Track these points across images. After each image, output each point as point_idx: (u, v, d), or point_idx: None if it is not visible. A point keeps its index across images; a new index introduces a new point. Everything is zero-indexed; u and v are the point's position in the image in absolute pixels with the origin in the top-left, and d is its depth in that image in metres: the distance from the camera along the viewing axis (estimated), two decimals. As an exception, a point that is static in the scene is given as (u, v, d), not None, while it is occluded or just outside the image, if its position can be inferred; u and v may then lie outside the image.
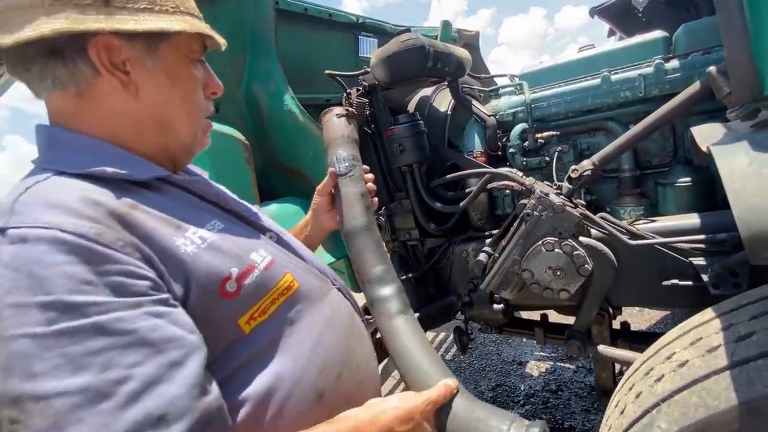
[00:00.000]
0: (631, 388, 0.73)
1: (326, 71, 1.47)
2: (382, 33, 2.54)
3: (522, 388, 2.19)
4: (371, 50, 2.51)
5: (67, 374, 0.36)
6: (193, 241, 0.50)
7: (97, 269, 0.40)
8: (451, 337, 2.89)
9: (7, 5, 0.47)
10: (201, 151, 0.65)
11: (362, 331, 0.69)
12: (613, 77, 1.28)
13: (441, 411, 0.65)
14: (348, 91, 1.53)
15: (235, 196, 0.70)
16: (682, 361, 0.64)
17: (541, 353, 2.48)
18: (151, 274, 0.44)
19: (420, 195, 1.47)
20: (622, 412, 0.70)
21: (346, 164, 0.92)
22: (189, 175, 0.64)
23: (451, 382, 0.68)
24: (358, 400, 0.59)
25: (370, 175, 0.99)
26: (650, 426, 0.61)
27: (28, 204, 0.42)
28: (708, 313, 0.68)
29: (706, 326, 0.66)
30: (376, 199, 0.98)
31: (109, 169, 0.48)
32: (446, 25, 2.77)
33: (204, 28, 0.58)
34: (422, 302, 1.61)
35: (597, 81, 1.30)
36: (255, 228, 0.63)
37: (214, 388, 0.44)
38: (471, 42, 3.21)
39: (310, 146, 1.43)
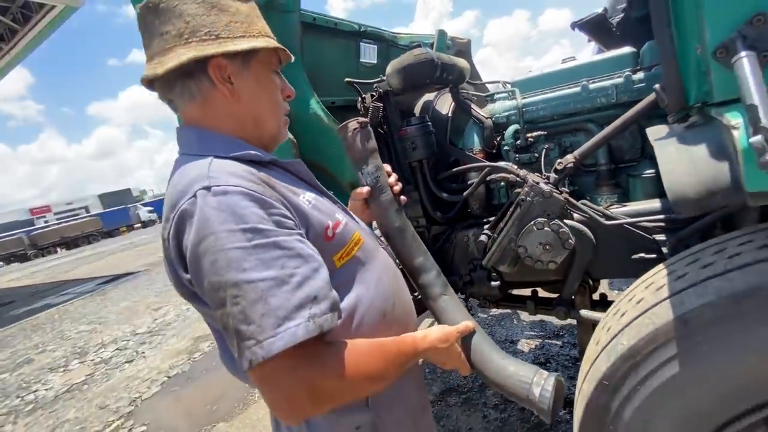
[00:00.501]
0: (604, 326, 0.96)
1: (346, 79, 1.67)
2: (381, 40, 2.74)
3: (514, 362, 2.44)
4: (371, 56, 2.71)
5: (263, 269, 0.57)
6: (305, 202, 0.71)
7: (268, 211, 0.61)
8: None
9: (158, 51, 0.68)
10: (283, 141, 0.84)
11: (402, 279, 0.92)
12: (591, 86, 1.52)
13: (464, 339, 0.90)
14: (363, 96, 1.74)
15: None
16: (639, 299, 0.87)
17: (531, 332, 2.73)
18: (293, 219, 0.66)
19: (428, 187, 1.69)
20: (597, 343, 0.94)
21: (371, 177, 0.98)
22: None
23: (471, 323, 0.94)
24: (405, 323, 0.83)
25: (394, 176, 1.05)
26: (615, 345, 0.85)
27: (217, 173, 0.62)
28: (659, 267, 0.91)
29: (656, 275, 0.89)
30: (403, 197, 1.06)
31: (249, 152, 0.70)
32: (442, 34, 3.00)
33: (279, 45, 0.77)
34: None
35: (577, 89, 1.54)
36: (331, 200, 0.84)
37: (335, 292, 0.66)
38: (463, 49, 3.45)
39: (333, 146, 1.63)
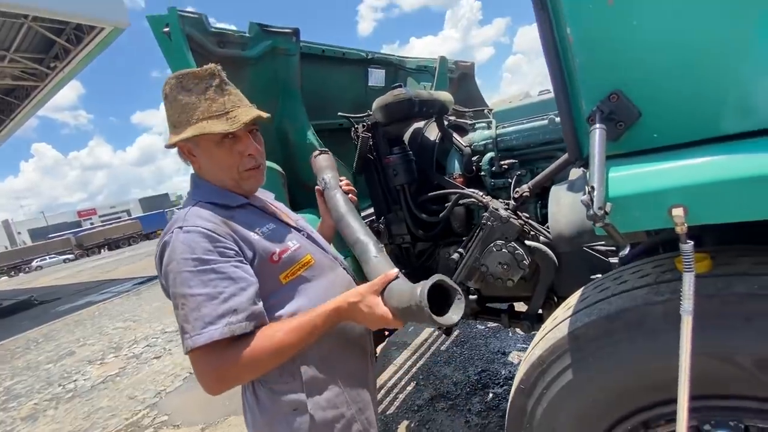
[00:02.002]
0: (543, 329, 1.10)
1: (339, 113, 1.88)
2: (388, 65, 2.95)
3: (503, 373, 2.55)
4: (379, 80, 2.93)
5: (202, 287, 0.80)
6: (258, 234, 0.92)
7: (215, 245, 0.83)
8: (443, 335, 3.27)
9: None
10: (254, 186, 1.00)
11: None
12: (557, 119, 1.66)
13: (385, 289, 0.90)
14: (355, 126, 1.96)
15: (287, 209, 1.14)
16: (555, 316, 1.03)
17: (523, 345, 2.83)
18: (235, 248, 0.86)
19: (410, 208, 1.88)
20: (536, 346, 1.07)
21: (321, 182, 1.27)
22: (261, 196, 1.07)
23: (392, 272, 0.93)
24: (346, 330, 1.00)
25: (345, 181, 1.26)
26: (531, 355, 1.00)
27: (190, 217, 0.87)
28: (578, 290, 1.06)
29: (573, 297, 1.03)
30: (353, 196, 1.24)
31: (219, 202, 0.93)
32: (443, 60, 3.20)
33: (211, 127, 0.87)
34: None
35: (545, 122, 1.69)
36: (293, 228, 1.04)
37: (260, 304, 0.85)
38: (467, 72, 3.62)
39: (325, 170, 1.86)
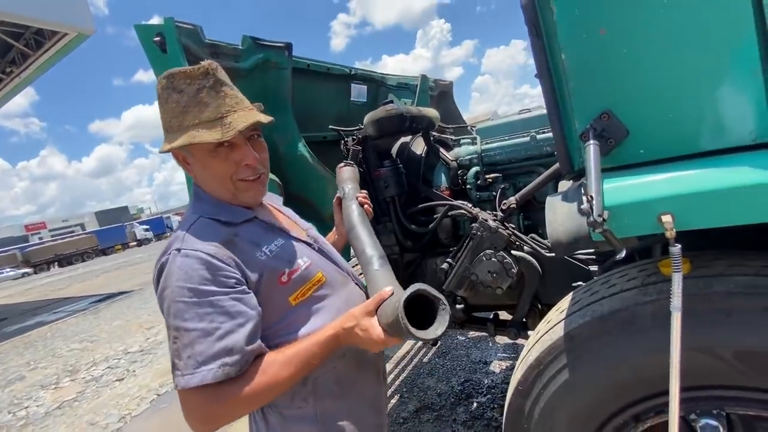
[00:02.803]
0: (527, 344, 1.16)
1: (330, 126, 1.92)
2: (371, 81, 3.03)
3: (486, 382, 2.60)
4: (362, 95, 2.99)
5: (197, 321, 0.74)
6: (265, 253, 0.86)
7: (214, 273, 0.77)
8: (424, 346, 3.29)
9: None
10: (253, 199, 0.92)
11: None
12: (539, 136, 1.78)
13: (379, 308, 0.83)
14: (345, 139, 2.00)
15: (297, 217, 1.10)
16: (549, 319, 1.09)
17: (504, 354, 2.90)
18: (238, 275, 0.79)
19: (400, 219, 1.92)
20: (531, 348, 1.12)
21: (342, 191, 1.33)
22: (271, 203, 1.04)
23: (386, 291, 0.85)
24: (361, 351, 0.90)
25: (363, 193, 1.28)
26: (528, 356, 1.05)
27: (189, 239, 0.80)
28: (569, 295, 1.13)
29: (564, 301, 1.10)
30: (369, 207, 1.25)
31: (223, 219, 0.87)
32: (424, 78, 3.32)
33: (202, 136, 0.79)
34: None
35: (527, 138, 1.80)
36: (303, 242, 0.97)
37: (258, 342, 0.79)
38: (446, 90, 3.77)
39: (316, 181, 1.88)
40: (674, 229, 0.72)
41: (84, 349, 5.90)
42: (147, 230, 42.20)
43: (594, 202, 0.74)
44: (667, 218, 0.72)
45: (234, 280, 0.79)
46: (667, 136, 0.81)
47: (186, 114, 0.82)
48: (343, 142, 1.99)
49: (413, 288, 0.78)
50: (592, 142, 0.83)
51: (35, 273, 31.28)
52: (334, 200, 1.32)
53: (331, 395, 0.90)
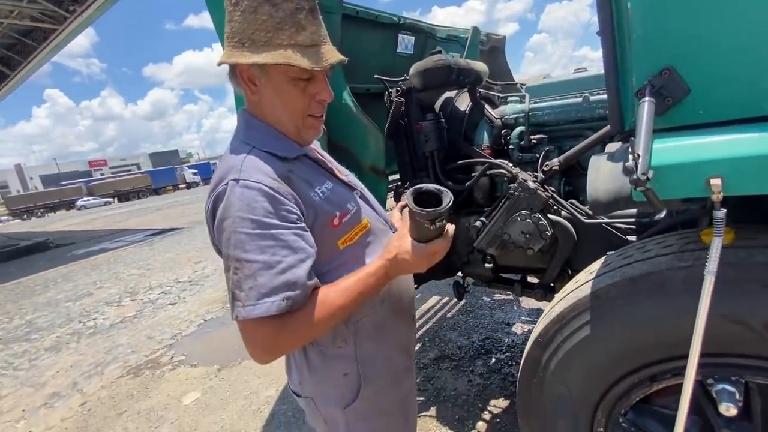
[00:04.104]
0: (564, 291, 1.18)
1: (376, 76, 1.90)
2: (419, 32, 2.92)
3: (506, 341, 2.68)
4: (408, 47, 2.90)
5: (259, 253, 0.73)
6: (318, 194, 0.84)
7: (276, 207, 0.75)
8: (453, 301, 3.39)
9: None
10: (312, 138, 0.91)
11: None
12: (592, 98, 1.68)
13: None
14: (389, 90, 1.99)
15: (336, 162, 1.06)
16: (577, 279, 1.10)
17: (527, 318, 2.95)
18: (297, 211, 0.79)
19: (437, 175, 1.93)
20: (556, 304, 1.14)
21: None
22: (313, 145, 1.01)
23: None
24: (398, 298, 0.99)
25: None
26: (551, 311, 1.09)
27: (247, 168, 0.77)
28: (602, 258, 1.13)
29: (596, 263, 1.11)
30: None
31: (279, 153, 0.83)
32: (476, 31, 3.15)
33: (297, 60, 0.75)
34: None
35: (579, 99, 1.71)
36: (349, 187, 0.96)
37: (315, 278, 0.79)
38: (498, 45, 3.56)
39: (359, 132, 1.90)
40: (722, 193, 0.70)
41: (141, 275, 6.57)
42: (195, 174, 44.49)
43: (640, 159, 0.72)
44: (716, 181, 0.70)
45: (296, 216, 0.78)
46: (731, 96, 0.76)
47: (279, 31, 0.76)
48: (386, 93, 1.98)
49: (417, 186, 0.81)
50: (647, 98, 0.80)
51: (119, 202, 35.37)
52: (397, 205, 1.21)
53: (369, 338, 0.93)
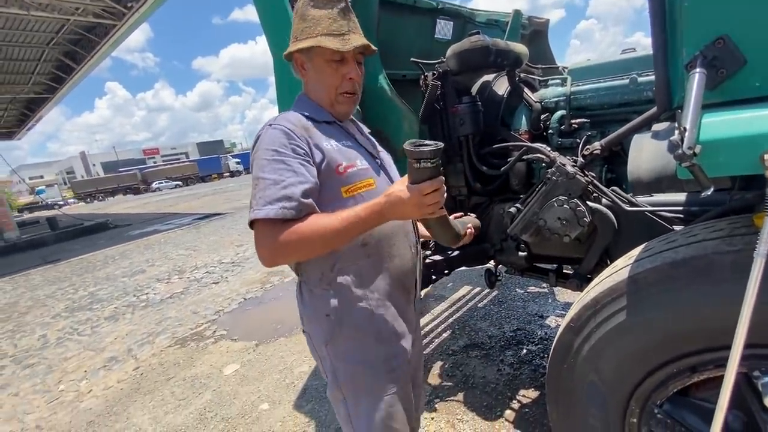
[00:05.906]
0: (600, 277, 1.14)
1: (411, 59, 1.90)
2: (458, 17, 2.85)
3: (539, 333, 2.62)
4: (447, 33, 2.85)
5: (271, 173, 0.93)
6: (332, 144, 1.03)
7: (290, 141, 0.96)
8: (485, 291, 3.35)
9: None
10: (345, 111, 1.11)
11: (407, 228, 1.15)
12: (640, 79, 1.58)
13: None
14: (425, 74, 1.97)
15: (376, 144, 1.22)
16: (615, 264, 1.07)
17: (562, 311, 2.86)
18: (306, 149, 0.98)
19: (471, 160, 1.91)
20: (591, 289, 1.11)
21: None
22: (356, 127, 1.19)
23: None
24: (389, 255, 1.09)
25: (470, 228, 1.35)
26: (585, 296, 1.06)
27: (280, 119, 1.01)
28: (645, 243, 1.08)
29: (637, 249, 1.06)
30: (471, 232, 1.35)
31: (309, 114, 1.06)
32: (517, 14, 3.03)
33: (326, 42, 0.99)
34: (462, 246, 2.07)
35: (626, 81, 1.62)
36: (367, 150, 1.12)
37: (311, 200, 0.93)
38: (540, 29, 3.41)
39: (394, 115, 1.91)
40: (776, 170, 0.65)
41: (188, 255, 7.00)
42: (238, 163, 46.45)
43: (687, 133, 0.69)
44: (770, 157, 0.65)
45: (303, 152, 0.98)
46: (795, 66, 0.70)
47: (318, 25, 1.01)
48: (422, 76, 1.97)
49: (414, 140, 0.89)
50: (698, 70, 0.75)
51: (186, 185, 39.15)
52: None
53: (349, 287, 1.04)
